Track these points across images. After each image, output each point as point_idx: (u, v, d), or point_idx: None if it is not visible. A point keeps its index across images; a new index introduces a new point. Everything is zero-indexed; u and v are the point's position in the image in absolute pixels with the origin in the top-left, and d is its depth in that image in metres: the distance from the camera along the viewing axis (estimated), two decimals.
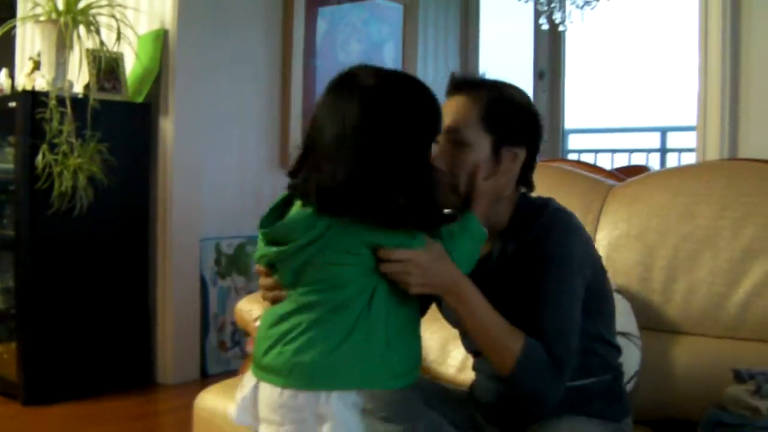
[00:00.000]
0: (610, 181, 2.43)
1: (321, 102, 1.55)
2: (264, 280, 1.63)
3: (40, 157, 3.50)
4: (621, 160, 5.45)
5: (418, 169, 1.51)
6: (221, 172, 4.35)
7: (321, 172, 1.48)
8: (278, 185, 4.52)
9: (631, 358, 2.02)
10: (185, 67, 4.05)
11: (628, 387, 1.99)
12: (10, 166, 3.75)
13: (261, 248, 1.54)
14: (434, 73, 5.50)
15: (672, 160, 5.28)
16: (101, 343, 3.89)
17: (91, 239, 3.82)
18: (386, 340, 1.50)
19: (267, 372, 1.51)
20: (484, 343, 1.63)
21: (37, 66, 3.84)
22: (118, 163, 3.75)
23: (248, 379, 1.58)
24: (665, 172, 2.43)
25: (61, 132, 3.54)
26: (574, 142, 5.68)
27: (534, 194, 1.81)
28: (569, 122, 5.56)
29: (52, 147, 3.54)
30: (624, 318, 2.07)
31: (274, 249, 1.50)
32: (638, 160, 5.38)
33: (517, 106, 1.72)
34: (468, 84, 1.73)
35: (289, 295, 1.53)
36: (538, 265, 1.64)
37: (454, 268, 1.59)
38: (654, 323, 2.15)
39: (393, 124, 1.49)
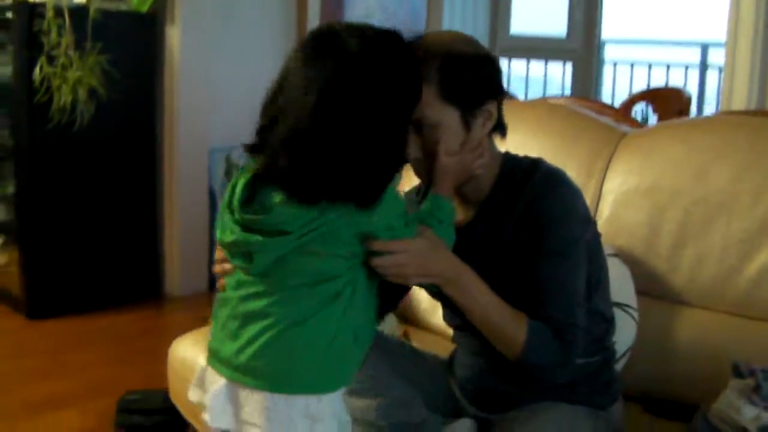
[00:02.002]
0: (625, 127, 2.23)
1: (293, 63, 1.34)
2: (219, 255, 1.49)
3: (37, 70, 3.36)
4: (658, 75, 5.16)
5: (397, 145, 1.37)
6: (232, 81, 4.14)
7: (292, 154, 1.30)
8: None
9: (625, 332, 1.87)
10: None
11: (621, 363, 1.86)
12: (8, 74, 3.62)
13: (235, 233, 1.36)
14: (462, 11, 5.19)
15: (712, 79, 4.97)
16: (107, 255, 3.84)
17: (94, 152, 3.71)
18: (354, 335, 1.39)
19: (244, 374, 1.37)
20: (488, 331, 1.51)
21: None
22: (123, 75, 3.58)
23: (214, 377, 1.42)
24: (684, 124, 2.21)
25: (59, 44, 3.39)
26: (610, 52, 5.36)
27: (531, 149, 1.66)
28: (606, 32, 5.24)
29: (51, 60, 3.39)
30: (621, 286, 1.92)
31: (259, 238, 1.33)
32: (676, 75, 5.08)
33: (471, 62, 1.52)
34: (417, 62, 1.48)
35: (255, 282, 1.38)
36: (536, 237, 1.50)
37: (452, 255, 1.47)
38: (656, 291, 1.99)
39: (378, 99, 1.31)
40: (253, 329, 1.36)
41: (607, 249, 1.97)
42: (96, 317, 3.74)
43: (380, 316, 1.60)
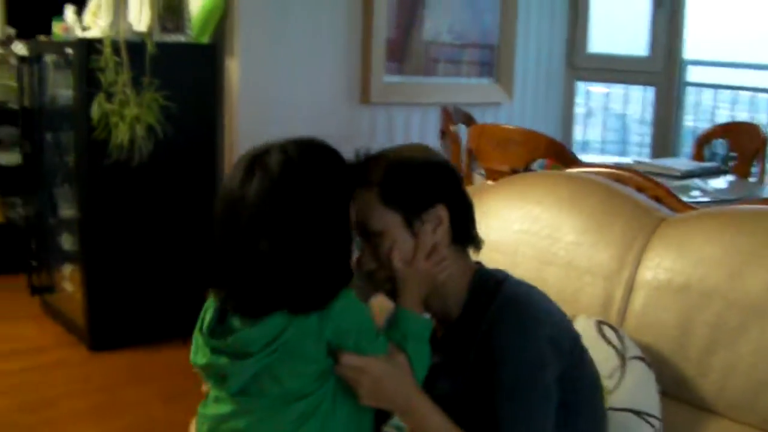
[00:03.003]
0: (664, 211, 2.09)
1: (228, 187, 1.38)
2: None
3: (95, 107, 3.41)
4: (744, 99, 4.89)
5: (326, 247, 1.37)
6: (294, 112, 4.12)
7: (239, 275, 1.35)
8: (359, 122, 4.34)
9: None
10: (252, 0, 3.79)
11: None
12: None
13: (206, 356, 1.39)
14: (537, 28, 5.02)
15: None
16: (169, 287, 3.89)
17: (155, 185, 3.76)
18: None
19: None
20: None
21: None
22: (183, 109, 3.62)
23: None
24: (723, 214, 2.05)
25: (116, 81, 3.42)
26: (694, 75, 5.10)
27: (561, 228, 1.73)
28: (691, 53, 4.98)
29: (109, 96, 3.43)
30: (641, 392, 1.81)
31: (226, 361, 1.36)
32: (764, 103, 4.81)
33: (417, 166, 1.49)
34: (362, 172, 1.49)
35: (232, 400, 1.39)
36: (492, 371, 1.41)
37: (412, 386, 1.41)
38: (684, 395, 1.86)
39: (285, 207, 1.33)
40: None
41: (631, 349, 1.87)
42: (157, 350, 3.80)
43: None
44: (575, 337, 1.55)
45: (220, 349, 1.36)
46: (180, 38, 3.74)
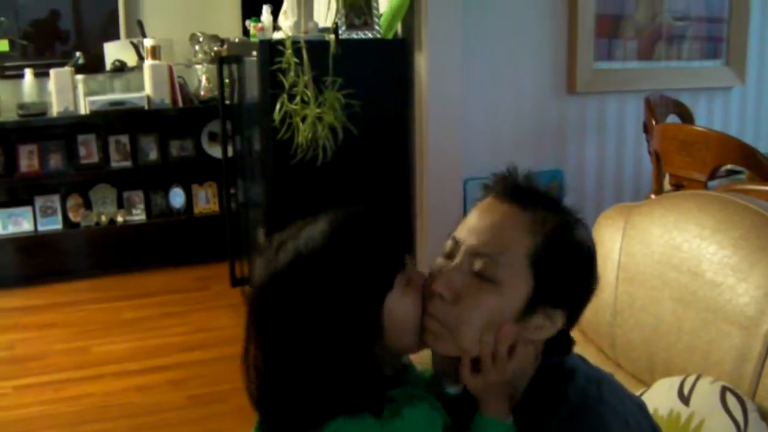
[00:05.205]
0: None
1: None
2: None
3: (277, 108, 3.45)
4: None
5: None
6: (493, 107, 3.93)
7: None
8: (565, 114, 4.05)
9: None
10: None
11: None
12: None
13: None
14: None
15: None
16: None
17: (341, 184, 3.74)
18: None
19: None
20: None
21: None
22: (370, 108, 3.54)
23: None
24: None
25: (298, 83, 3.44)
26: None
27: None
28: None
29: (292, 97, 3.46)
30: None
31: None
32: None
33: (583, 255, 1.23)
34: (531, 197, 1.24)
35: None
36: None
37: None
38: None
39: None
40: None
41: (754, 428, 1.55)
42: None
43: None
44: None
45: None
46: (368, 34, 3.68)
